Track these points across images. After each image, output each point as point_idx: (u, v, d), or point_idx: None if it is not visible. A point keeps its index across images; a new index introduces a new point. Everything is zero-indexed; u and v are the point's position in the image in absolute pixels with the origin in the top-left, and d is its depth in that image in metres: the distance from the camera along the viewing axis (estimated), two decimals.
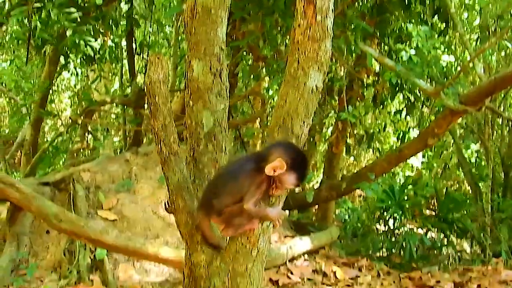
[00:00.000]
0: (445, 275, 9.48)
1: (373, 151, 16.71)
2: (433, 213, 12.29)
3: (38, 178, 9.40)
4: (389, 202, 11.50)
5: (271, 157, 2.61)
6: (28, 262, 8.24)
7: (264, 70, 10.16)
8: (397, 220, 12.03)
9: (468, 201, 13.48)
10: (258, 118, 11.58)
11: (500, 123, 14.49)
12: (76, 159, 11.24)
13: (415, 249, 11.36)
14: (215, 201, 2.56)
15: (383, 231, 12.06)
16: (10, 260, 8.04)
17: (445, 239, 12.38)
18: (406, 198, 11.79)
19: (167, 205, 2.84)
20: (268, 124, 9.12)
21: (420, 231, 12.43)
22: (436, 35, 10.67)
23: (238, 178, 2.62)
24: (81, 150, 12.58)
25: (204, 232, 2.52)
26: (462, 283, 8.64)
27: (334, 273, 8.86)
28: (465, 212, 12.97)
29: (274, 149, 2.62)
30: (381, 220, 12.21)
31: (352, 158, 19.66)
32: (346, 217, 14.18)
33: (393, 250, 11.64)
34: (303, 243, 9.17)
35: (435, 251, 12.48)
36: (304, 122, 2.83)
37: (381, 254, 11.42)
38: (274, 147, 2.63)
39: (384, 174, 12.48)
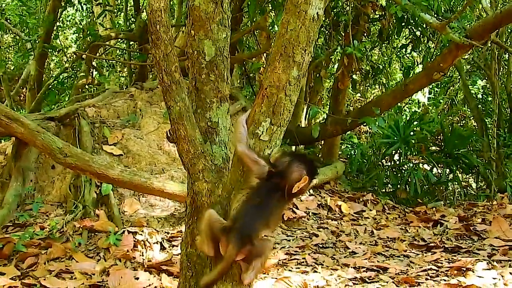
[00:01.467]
0: (450, 210, 9.52)
1: (379, 87, 16.65)
2: (439, 149, 12.28)
3: (43, 113, 9.38)
4: (395, 138, 11.50)
5: (294, 176, 2.66)
6: (33, 197, 8.30)
7: (269, 4, 10.03)
8: (403, 156, 12.04)
9: (474, 136, 13.49)
10: (264, 53, 11.47)
11: (507, 58, 14.35)
12: (81, 95, 11.20)
13: (420, 184, 11.41)
14: (254, 236, 2.60)
15: (388, 167, 12.09)
16: (15, 195, 8.09)
17: (451, 175, 12.41)
18: (411, 133, 11.78)
19: (169, 134, 2.82)
20: None
21: (425, 167, 12.46)
22: None
23: (273, 213, 2.69)
24: (86, 86, 12.53)
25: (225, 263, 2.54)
26: (466, 217, 8.68)
27: (339, 207, 8.91)
28: (471, 148, 12.99)
29: (292, 168, 2.65)
30: (386, 157, 12.23)
31: (358, 95, 19.60)
32: (352, 153, 14.19)
33: (399, 186, 11.69)
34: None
35: (441, 187, 12.54)
36: (305, 50, 2.78)
37: (386, 190, 11.47)
38: (291, 165, 2.65)
39: (389, 110, 12.44)
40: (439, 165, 12.21)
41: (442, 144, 12.24)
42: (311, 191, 9.12)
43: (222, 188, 2.56)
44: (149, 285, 6.68)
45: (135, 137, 8.85)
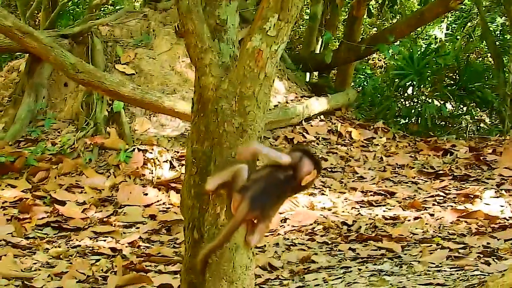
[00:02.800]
0: (461, 141, 9.51)
1: (394, 16, 16.42)
2: (453, 83, 12.17)
3: (57, 30, 9.35)
4: (409, 70, 11.40)
5: (305, 170, 2.79)
6: (46, 114, 8.34)
7: None
8: (416, 88, 11.96)
9: (489, 71, 13.37)
10: None
11: None
12: (95, 14, 11.13)
13: (432, 118, 11.36)
14: (266, 205, 2.74)
15: (401, 99, 12.03)
16: (28, 110, 8.14)
17: (464, 109, 12.34)
18: (426, 66, 11.67)
19: (177, 28, 2.80)
20: None
21: (439, 101, 12.39)
22: None
23: (283, 198, 2.88)
24: (101, 6, 12.43)
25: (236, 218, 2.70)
26: (477, 147, 8.67)
27: (350, 133, 8.91)
28: (486, 83, 12.86)
29: (304, 162, 2.78)
30: (399, 88, 12.15)
31: (375, 29, 19.37)
32: (365, 83, 14.13)
33: (411, 119, 11.66)
34: (319, 103, 9.16)
35: (453, 121, 12.48)
36: None
37: (398, 122, 11.43)
38: (303, 160, 2.80)
39: (404, 37, 12.27)
40: (453, 99, 12.12)
41: (457, 77, 12.12)
42: (322, 116, 9.11)
43: (228, 83, 2.55)
44: (158, 201, 6.77)
45: (148, 57, 8.82)
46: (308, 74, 11.74)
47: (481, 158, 8.06)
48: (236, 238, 2.54)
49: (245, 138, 2.56)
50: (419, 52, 11.82)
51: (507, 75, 12.76)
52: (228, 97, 2.53)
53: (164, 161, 7.32)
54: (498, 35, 16.58)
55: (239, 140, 2.58)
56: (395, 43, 11.06)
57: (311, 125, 8.87)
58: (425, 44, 16.48)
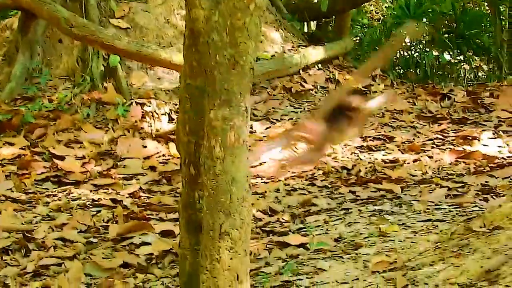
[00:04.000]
0: (459, 87, 9.50)
1: None
2: (450, 30, 12.10)
3: None
4: (405, 18, 11.34)
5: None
6: (41, 71, 8.29)
7: None
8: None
9: (486, 17, 13.29)
10: None
11: None
12: None
13: (431, 67, 11.34)
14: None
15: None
16: (23, 68, 8.08)
17: (461, 56, 12.30)
18: (422, 13, 11.62)
19: None
20: None
21: (436, 50, 12.34)
22: None
23: None
24: None
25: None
26: (475, 92, 8.65)
27: (347, 81, 8.88)
28: (483, 30, 12.79)
29: None
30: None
31: None
32: (362, 34, 14.04)
33: (409, 68, 11.63)
34: (316, 52, 9.11)
35: (452, 69, 12.46)
36: None
37: (396, 71, 11.39)
38: None
39: None
40: (451, 47, 12.06)
41: (454, 25, 12.06)
42: (319, 66, 9.08)
43: (218, 15, 2.53)
44: (157, 153, 6.77)
45: (142, 10, 8.73)
46: (305, 24, 11.65)
47: (479, 101, 8.06)
48: (232, 171, 2.54)
49: (238, 70, 2.53)
50: (415, 0, 11.74)
51: (503, 22, 12.66)
52: (219, 29, 2.51)
53: (162, 114, 7.30)
54: None
55: (232, 72, 2.55)
56: None
57: (309, 74, 8.83)
58: None
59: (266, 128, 7.38)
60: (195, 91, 2.77)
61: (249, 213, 2.58)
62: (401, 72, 11.39)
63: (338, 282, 3.37)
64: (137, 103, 7.37)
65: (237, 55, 2.53)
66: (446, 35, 11.79)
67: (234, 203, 2.55)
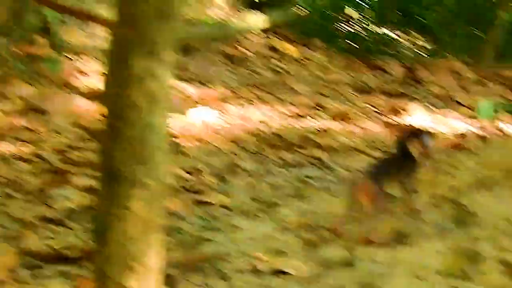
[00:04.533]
0: (397, 62, 9.59)
1: None
2: (393, 7, 12.16)
3: None
4: None
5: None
6: None
7: None
8: (357, 11, 11.95)
9: None
10: None
11: None
12: None
13: (372, 41, 11.39)
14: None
15: (341, 21, 11.98)
16: None
17: (404, 34, 12.39)
18: None
19: None
20: None
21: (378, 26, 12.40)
22: None
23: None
24: None
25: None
26: (411, 67, 8.74)
27: (287, 50, 8.88)
28: (425, 7, 12.89)
29: None
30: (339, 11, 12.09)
31: None
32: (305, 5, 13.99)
33: (350, 41, 11.65)
34: (258, 20, 9.04)
35: (392, 44, 12.55)
36: None
37: (339, 44, 11.40)
38: None
39: None
40: (394, 23, 12.13)
41: (396, 1, 12.13)
42: (261, 32, 9.03)
43: None
44: (87, 110, 6.65)
45: None
46: None
47: (414, 76, 8.17)
48: (150, 121, 2.49)
49: (163, 21, 2.47)
50: None
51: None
52: None
53: (94, 71, 7.18)
54: None
55: (157, 22, 2.50)
56: None
57: (250, 41, 8.78)
58: None
59: (202, 92, 7.33)
60: (121, 41, 2.70)
61: (165, 164, 2.54)
62: (342, 44, 11.41)
63: (252, 239, 3.36)
64: (70, 59, 7.22)
65: (164, 6, 2.47)
66: (390, 12, 11.85)
67: (149, 153, 2.50)
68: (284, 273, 2.94)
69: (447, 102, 7.22)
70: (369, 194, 3.10)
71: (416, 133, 3.57)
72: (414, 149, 3.34)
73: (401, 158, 3.53)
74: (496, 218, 2.63)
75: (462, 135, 5.89)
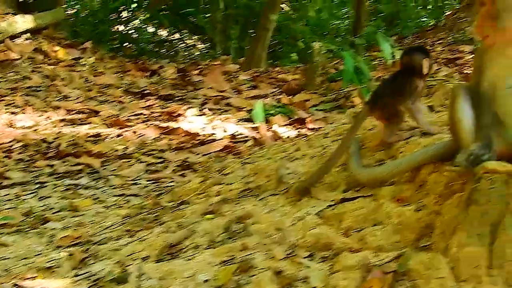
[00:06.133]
0: (170, 64, 9.64)
1: None
2: (167, 7, 12.22)
3: None
4: None
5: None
6: None
7: None
8: (130, 12, 11.92)
9: None
10: None
11: None
12: None
13: (146, 43, 11.38)
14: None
15: (115, 22, 11.86)
16: None
17: (177, 34, 12.52)
18: None
19: None
20: None
21: (153, 27, 12.41)
22: None
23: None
24: None
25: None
26: (185, 69, 8.81)
27: (56, 53, 8.60)
28: (199, 9, 13.09)
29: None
30: (114, 13, 11.95)
31: None
32: (79, 6, 13.71)
33: (124, 42, 11.57)
34: (24, 21, 8.70)
35: (167, 46, 12.65)
36: None
37: (112, 46, 11.25)
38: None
39: None
40: (167, 25, 12.19)
41: (170, 2, 12.21)
42: (28, 34, 8.68)
43: None
44: None
45: None
46: None
47: (188, 79, 8.22)
48: None
49: None
50: None
51: (220, 2, 13.01)
52: None
53: None
54: None
55: None
56: None
57: (16, 44, 8.41)
58: None
59: None
60: None
61: None
62: (116, 46, 11.28)
63: (19, 258, 3.17)
64: None
65: None
66: (163, 12, 11.88)
67: None
68: None
69: (221, 105, 7.31)
70: None
71: None
72: None
73: None
74: (266, 227, 2.66)
75: (235, 138, 5.99)
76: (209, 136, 6.05)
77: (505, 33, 2.36)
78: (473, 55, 7.93)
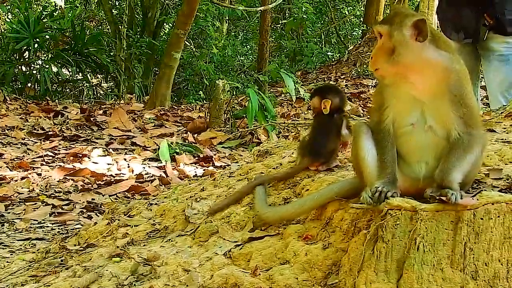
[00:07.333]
0: (74, 104, 9.58)
1: None
2: (69, 47, 12.13)
3: None
4: (25, 34, 11.17)
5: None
6: None
7: None
8: (32, 53, 11.79)
9: (105, 36, 13.64)
10: None
11: None
12: None
13: (50, 83, 11.25)
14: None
15: (17, 63, 11.68)
16: None
17: (80, 74, 12.45)
18: (43, 30, 11.57)
19: None
20: None
21: (56, 65, 12.27)
22: None
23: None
24: None
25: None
26: (89, 109, 8.77)
27: None
28: (103, 48, 13.06)
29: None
30: (16, 53, 11.80)
31: None
32: None
33: (27, 83, 11.43)
34: None
35: (71, 85, 12.56)
36: None
37: (15, 87, 11.08)
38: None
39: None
40: (70, 64, 12.10)
41: (73, 42, 12.14)
42: None
43: None
44: None
45: None
46: None
47: (92, 119, 8.19)
48: None
49: None
50: (34, 16, 11.59)
51: (123, 41, 13.02)
52: None
53: None
54: (115, 3, 16.82)
55: None
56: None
57: None
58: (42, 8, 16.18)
59: None
60: None
61: None
62: (18, 87, 11.14)
63: None
64: None
65: None
66: (65, 52, 11.79)
67: None
68: None
69: (126, 144, 7.32)
70: None
71: None
72: None
73: None
74: (174, 269, 2.68)
75: (142, 178, 6.00)
76: (115, 177, 6.07)
77: (399, 67, 2.41)
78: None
